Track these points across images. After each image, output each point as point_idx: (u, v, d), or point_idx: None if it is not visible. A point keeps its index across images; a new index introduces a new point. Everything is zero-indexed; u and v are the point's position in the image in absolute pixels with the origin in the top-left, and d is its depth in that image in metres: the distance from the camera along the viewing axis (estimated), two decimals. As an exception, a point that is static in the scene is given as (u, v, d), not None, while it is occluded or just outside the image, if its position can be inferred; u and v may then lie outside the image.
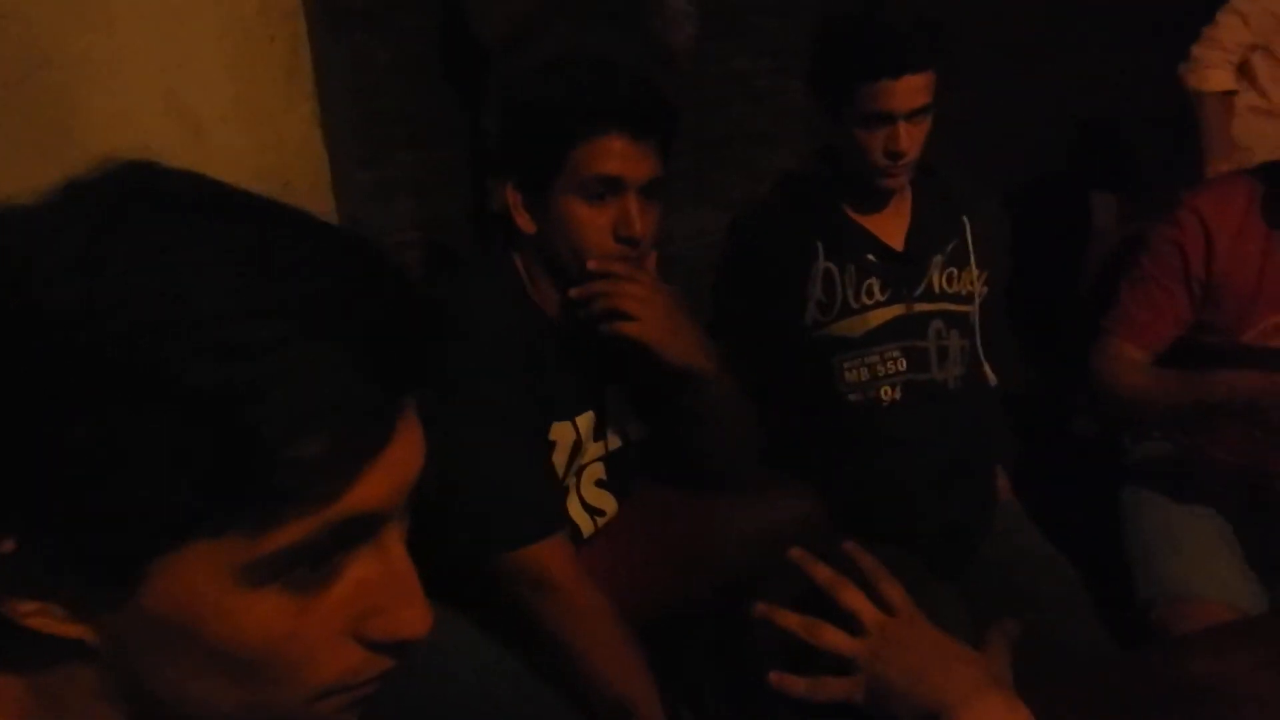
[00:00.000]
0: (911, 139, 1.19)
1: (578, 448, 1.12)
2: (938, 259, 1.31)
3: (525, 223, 1.06)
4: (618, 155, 1.02)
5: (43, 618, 0.39)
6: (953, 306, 1.32)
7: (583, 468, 1.15)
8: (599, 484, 1.18)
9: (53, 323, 0.36)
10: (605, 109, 1.02)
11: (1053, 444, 1.58)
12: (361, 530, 0.41)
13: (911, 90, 1.17)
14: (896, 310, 1.29)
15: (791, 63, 2.39)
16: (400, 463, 0.41)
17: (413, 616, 0.42)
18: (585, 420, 1.12)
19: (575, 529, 1.15)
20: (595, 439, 1.15)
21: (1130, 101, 2.25)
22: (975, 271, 1.34)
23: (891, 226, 1.31)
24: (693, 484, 1.19)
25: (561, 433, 1.10)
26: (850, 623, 0.75)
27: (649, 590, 1.14)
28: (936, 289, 1.31)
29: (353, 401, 0.38)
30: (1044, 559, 1.32)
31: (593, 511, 1.18)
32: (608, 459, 1.17)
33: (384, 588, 0.42)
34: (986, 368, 1.38)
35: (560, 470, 1.11)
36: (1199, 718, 0.91)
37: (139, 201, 0.40)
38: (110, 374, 0.35)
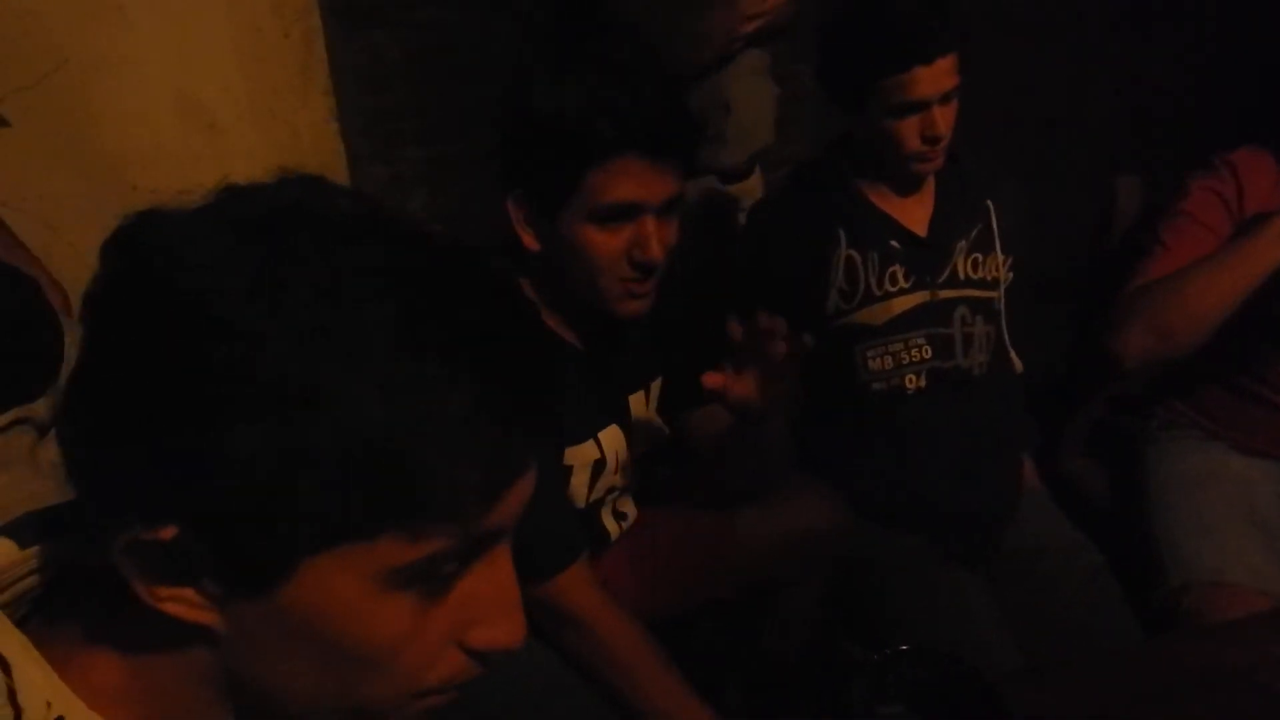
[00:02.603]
0: (946, 121, 1.18)
1: (600, 465, 1.08)
2: (962, 244, 1.30)
3: (529, 240, 0.99)
4: (635, 179, 0.93)
5: (177, 604, 0.41)
6: (978, 293, 1.30)
7: (614, 486, 1.12)
8: (625, 490, 1.16)
9: (234, 339, 0.38)
10: (622, 130, 0.91)
11: (1078, 431, 1.56)
12: (488, 545, 0.45)
13: (942, 74, 1.15)
14: (920, 297, 1.28)
15: (803, 47, 2.36)
16: (527, 488, 0.45)
17: (512, 628, 0.46)
18: (610, 435, 1.09)
19: (604, 534, 1.14)
20: (627, 451, 1.11)
21: (1154, 84, 2.22)
22: (1000, 257, 1.32)
23: (915, 212, 1.29)
24: (720, 491, 1.17)
25: (578, 455, 1.06)
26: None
27: (671, 592, 1.14)
28: (961, 275, 1.29)
29: (505, 438, 0.41)
30: (1070, 545, 1.31)
31: (619, 516, 1.17)
32: (636, 463, 1.15)
33: (489, 599, 0.45)
34: (1012, 354, 1.36)
35: (584, 490, 1.08)
36: (1229, 706, 0.90)
37: (308, 226, 0.41)
38: (288, 395, 0.38)
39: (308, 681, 0.43)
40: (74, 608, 0.44)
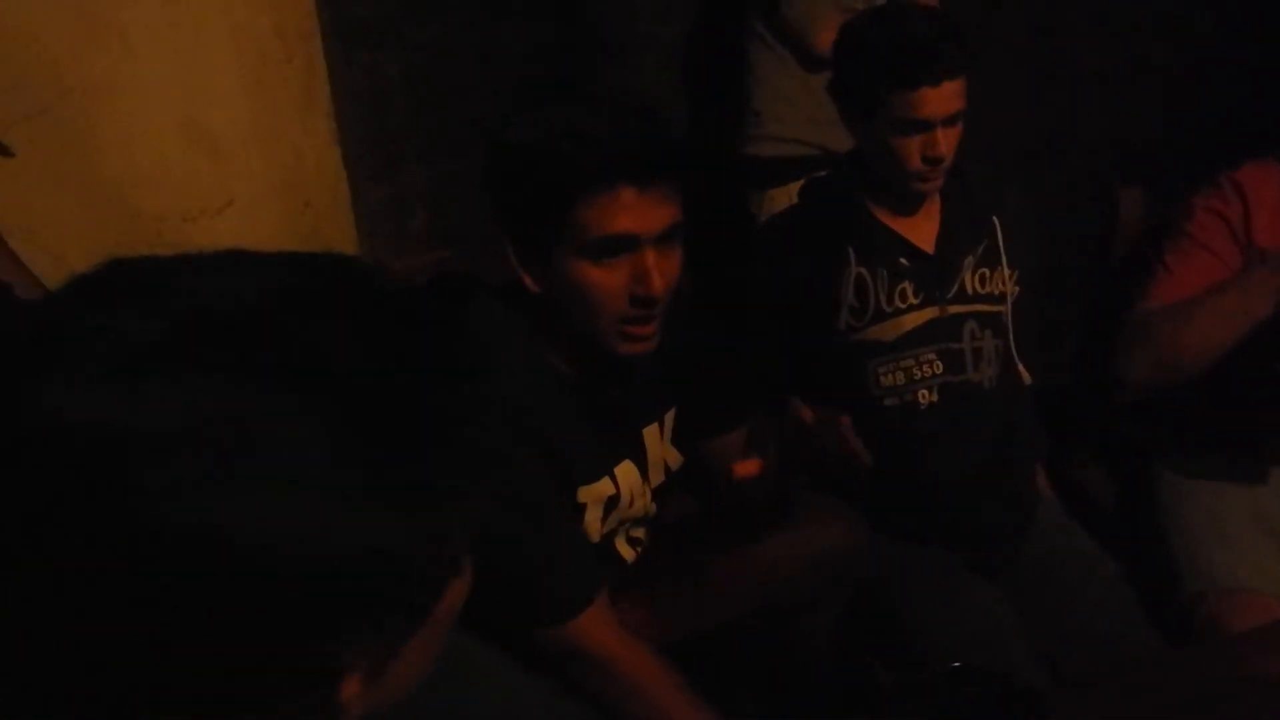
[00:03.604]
0: (949, 143, 1.20)
1: (614, 502, 1.07)
2: (969, 260, 1.31)
3: (529, 282, 0.96)
4: (628, 210, 0.89)
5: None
6: (986, 307, 1.31)
7: (627, 519, 1.11)
8: (639, 521, 1.15)
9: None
10: (609, 157, 0.88)
11: (1087, 440, 1.57)
12: None
13: (948, 96, 1.17)
14: (930, 313, 1.29)
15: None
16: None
17: None
18: (625, 470, 1.08)
19: (620, 561, 1.14)
20: (642, 484, 1.10)
21: (1156, 94, 2.24)
22: (1007, 271, 1.33)
23: (922, 229, 1.30)
24: (738, 514, 1.17)
25: (592, 493, 1.05)
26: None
27: (691, 615, 1.13)
28: (969, 290, 1.30)
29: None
30: (1087, 557, 1.32)
31: (634, 543, 1.17)
32: (652, 492, 1.14)
33: None
34: (1020, 367, 1.37)
35: (597, 526, 1.07)
36: (1264, 715, 0.91)
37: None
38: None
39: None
40: None
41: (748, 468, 0.96)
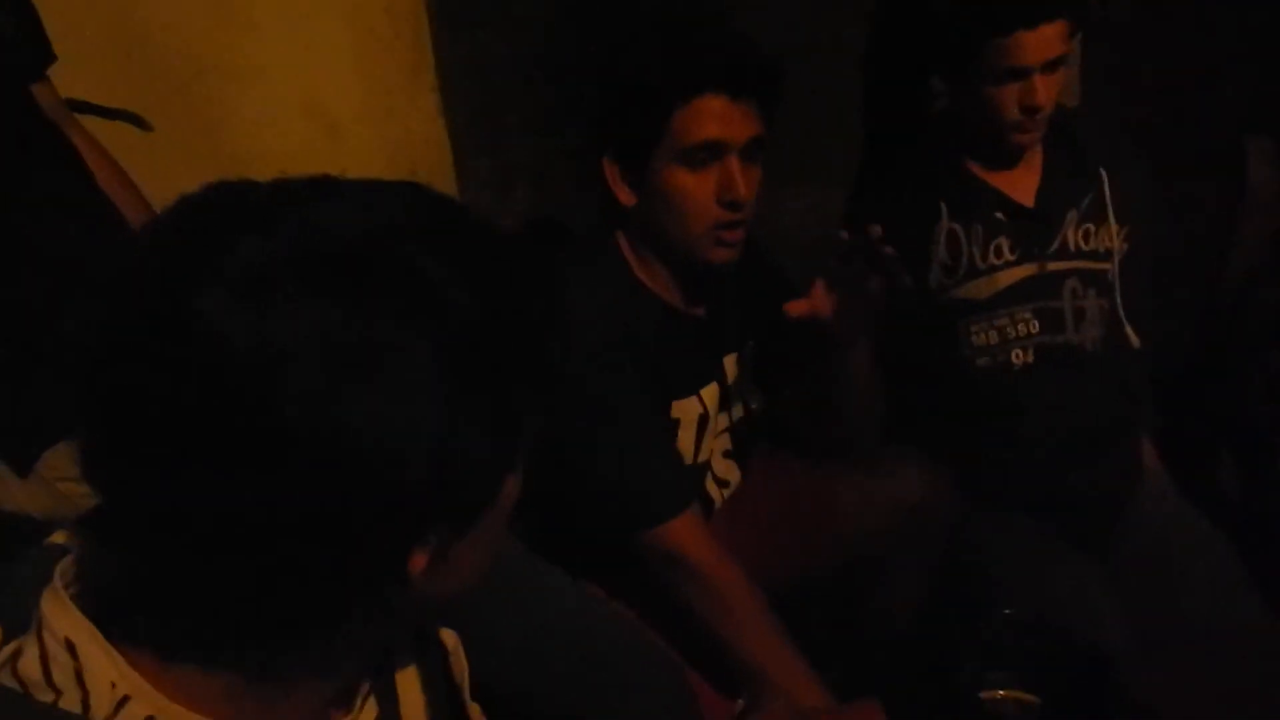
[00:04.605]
0: (1048, 92, 1.14)
1: (705, 421, 1.11)
2: (1072, 214, 1.24)
3: (625, 195, 1.06)
4: (718, 117, 1.00)
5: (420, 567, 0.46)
6: (1090, 264, 1.25)
7: (717, 449, 1.15)
8: (725, 455, 1.18)
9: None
10: (702, 68, 1.00)
11: (1200, 414, 1.47)
12: None
13: (1047, 41, 1.11)
14: (1028, 270, 1.23)
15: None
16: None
17: None
18: (710, 392, 1.13)
19: (709, 501, 1.16)
20: (721, 410, 1.15)
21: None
22: (1115, 227, 1.26)
23: (1021, 182, 1.25)
24: (816, 452, 1.17)
25: (684, 410, 1.10)
26: None
27: (772, 563, 1.13)
28: (1072, 246, 1.24)
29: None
30: (1197, 534, 1.24)
31: (721, 484, 1.18)
32: (732, 429, 1.17)
33: None
34: (1128, 329, 1.29)
35: (691, 446, 1.11)
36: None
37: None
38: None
39: (481, 568, 0.51)
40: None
41: (798, 306, 1.02)
